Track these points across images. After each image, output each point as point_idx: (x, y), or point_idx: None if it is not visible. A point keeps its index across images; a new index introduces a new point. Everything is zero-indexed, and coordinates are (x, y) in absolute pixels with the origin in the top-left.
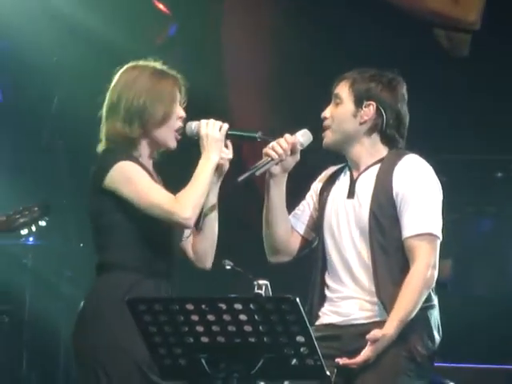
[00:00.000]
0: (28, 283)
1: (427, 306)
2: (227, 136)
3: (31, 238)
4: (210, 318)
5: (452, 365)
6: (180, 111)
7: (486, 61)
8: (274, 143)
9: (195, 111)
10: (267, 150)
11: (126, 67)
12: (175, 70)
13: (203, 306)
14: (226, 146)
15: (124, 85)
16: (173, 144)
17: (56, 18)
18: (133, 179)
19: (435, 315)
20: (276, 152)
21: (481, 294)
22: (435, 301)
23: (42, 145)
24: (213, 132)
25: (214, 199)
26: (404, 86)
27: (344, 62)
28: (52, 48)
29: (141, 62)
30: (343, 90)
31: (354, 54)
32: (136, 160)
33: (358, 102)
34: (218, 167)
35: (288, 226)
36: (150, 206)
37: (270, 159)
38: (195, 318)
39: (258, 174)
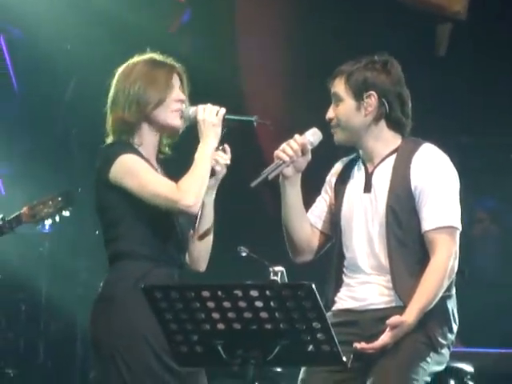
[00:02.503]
0: (44, 271)
1: (446, 295)
2: (224, 120)
3: (47, 227)
4: (226, 304)
5: (469, 350)
6: (179, 94)
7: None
8: (284, 145)
9: (207, 99)
10: (278, 152)
11: (124, 64)
12: (186, 58)
13: (219, 293)
14: (225, 151)
15: (122, 77)
16: (176, 122)
17: (69, 5)
18: (134, 172)
19: (453, 305)
20: (287, 154)
21: (496, 279)
22: (453, 291)
23: (56, 132)
24: (210, 117)
25: (210, 204)
26: (398, 67)
27: (360, 49)
28: (65, 36)
29: (137, 57)
30: (340, 87)
31: (369, 42)
32: (137, 152)
33: (358, 95)
34: (215, 173)
35: (307, 225)
36: (153, 197)
37: (281, 162)
38: (211, 304)
39: (270, 178)
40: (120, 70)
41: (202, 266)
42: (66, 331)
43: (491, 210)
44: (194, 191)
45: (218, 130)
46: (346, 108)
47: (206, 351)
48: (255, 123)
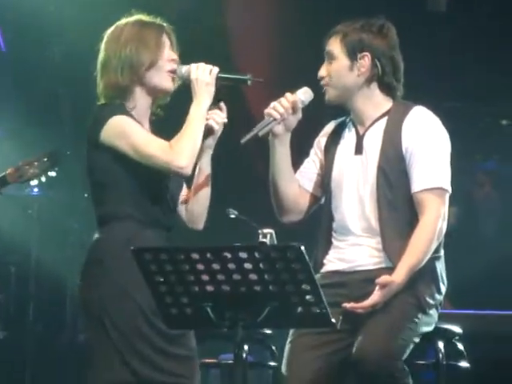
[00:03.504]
0: (34, 234)
1: (435, 256)
2: (218, 79)
3: (36, 189)
4: (215, 266)
5: (458, 311)
6: (170, 53)
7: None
8: (275, 103)
9: (196, 59)
10: (268, 109)
11: (111, 27)
12: (172, 19)
13: (208, 255)
14: (221, 109)
15: (111, 40)
16: (168, 85)
17: None
18: (127, 132)
19: (441, 266)
20: (277, 111)
21: (488, 239)
22: (442, 252)
23: (44, 93)
24: (203, 76)
25: (207, 163)
26: (394, 31)
27: (347, 11)
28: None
29: (124, 19)
30: (335, 45)
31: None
32: (129, 114)
33: (352, 55)
34: (212, 131)
35: (295, 185)
36: (146, 157)
37: (272, 119)
38: (200, 266)
39: (260, 134)
40: (108, 32)
41: (200, 224)
42: (55, 293)
43: (491, 173)
44: (187, 152)
45: (212, 89)
46: (340, 66)
47: (195, 313)
48: (249, 82)
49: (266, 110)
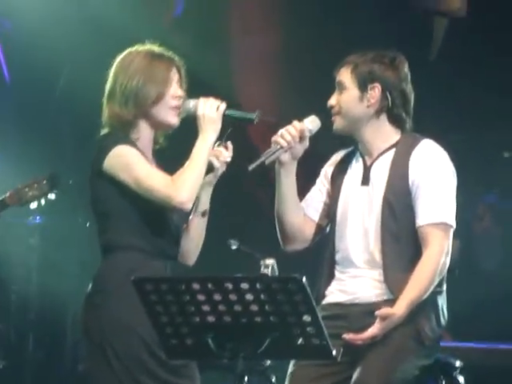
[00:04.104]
0: (35, 263)
1: (436, 291)
2: (224, 116)
3: (38, 217)
4: (217, 297)
5: (459, 344)
6: (176, 90)
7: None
8: (282, 131)
9: (200, 93)
10: (276, 137)
11: (123, 53)
12: (179, 52)
13: (209, 286)
14: (226, 148)
15: (120, 69)
16: (173, 120)
17: None
18: (130, 164)
19: (443, 300)
20: (285, 139)
21: (489, 273)
22: (444, 287)
23: (48, 123)
24: (210, 112)
25: (206, 200)
26: (406, 64)
27: (352, 44)
28: (57, 26)
29: (137, 47)
30: (346, 75)
31: (359, 38)
32: (133, 144)
33: (363, 86)
34: (214, 170)
35: (301, 213)
36: (147, 191)
37: (279, 147)
38: (201, 297)
39: (267, 162)
40: (118, 59)
41: (191, 260)
42: (56, 323)
43: (491, 206)
44: (189, 187)
45: (218, 126)
46: (350, 96)
47: (196, 344)
48: (256, 120)
49: (274, 138)
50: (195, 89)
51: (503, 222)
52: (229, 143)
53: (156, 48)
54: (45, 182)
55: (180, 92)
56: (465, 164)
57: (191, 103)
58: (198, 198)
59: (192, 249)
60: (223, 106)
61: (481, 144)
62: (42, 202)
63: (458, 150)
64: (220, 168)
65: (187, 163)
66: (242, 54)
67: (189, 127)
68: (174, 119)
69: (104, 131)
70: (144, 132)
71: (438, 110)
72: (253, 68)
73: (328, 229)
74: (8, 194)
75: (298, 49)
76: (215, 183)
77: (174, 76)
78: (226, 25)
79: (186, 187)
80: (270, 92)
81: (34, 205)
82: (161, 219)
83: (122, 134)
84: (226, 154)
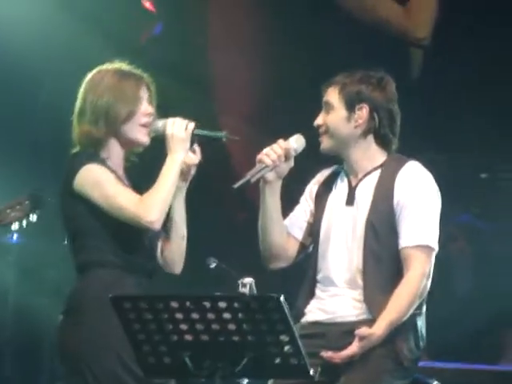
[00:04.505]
0: (12, 281)
1: (416, 313)
2: (193, 136)
3: (15, 236)
4: (194, 316)
5: (435, 364)
6: (147, 107)
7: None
8: (268, 149)
9: (176, 111)
10: (261, 156)
11: (92, 72)
12: (157, 68)
13: (188, 304)
14: (194, 152)
15: (90, 87)
16: (143, 139)
17: (44, 10)
18: (99, 183)
19: (422, 323)
20: (270, 158)
21: (463, 295)
22: (424, 309)
23: (27, 139)
24: (178, 131)
25: (181, 205)
26: (393, 85)
27: (333, 66)
28: (39, 40)
29: (106, 65)
30: (333, 96)
31: (339, 61)
32: (103, 162)
33: (350, 106)
34: (184, 172)
35: (284, 232)
36: (116, 210)
37: (264, 166)
38: (179, 315)
39: (252, 181)
40: (87, 79)
41: (177, 268)
42: (33, 341)
43: (467, 226)
44: (157, 207)
45: (187, 145)
46: (337, 116)
47: (173, 362)
48: (224, 139)
49: (259, 157)
50: (169, 105)
51: (478, 242)
52: (196, 147)
53: (125, 66)
54: (27, 202)
55: (150, 109)
56: (442, 184)
57: (160, 123)
58: (170, 207)
59: (177, 256)
60: (191, 125)
61: (458, 165)
62: (24, 222)
63: (435, 169)
64: (189, 172)
65: (156, 183)
66: (221, 74)
67: (161, 145)
68: (144, 137)
69: (74, 150)
70: (114, 150)
71: (415, 129)
72: (232, 88)
73: (311, 248)
74: None
75: (282, 64)
76: (187, 190)
77: (144, 94)
78: (204, 41)
79: (155, 207)
80: (253, 109)
81: (15, 226)
82: (134, 235)
83: (93, 152)
84: (193, 156)
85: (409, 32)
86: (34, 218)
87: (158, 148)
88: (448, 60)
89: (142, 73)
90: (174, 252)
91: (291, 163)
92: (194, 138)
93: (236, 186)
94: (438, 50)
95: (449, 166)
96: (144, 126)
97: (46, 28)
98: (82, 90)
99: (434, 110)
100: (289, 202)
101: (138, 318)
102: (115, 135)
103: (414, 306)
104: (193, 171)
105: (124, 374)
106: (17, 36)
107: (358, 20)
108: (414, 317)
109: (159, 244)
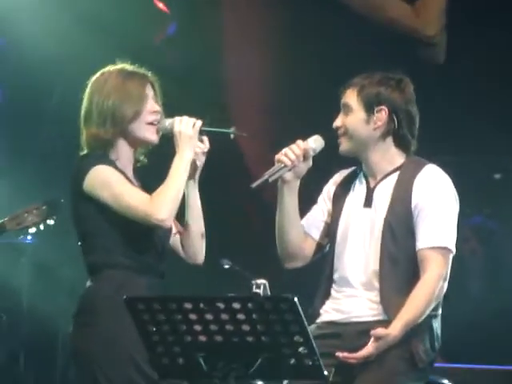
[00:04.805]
0: (26, 281)
1: (432, 314)
2: (201, 133)
3: (29, 237)
4: (208, 317)
5: (449, 365)
6: (153, 105)
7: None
8: (286, 149)
9: (190, 111)
10: (280, 156)
11: (96, 74)
12: (171, 69)
13: (201, 305)
14: (201, 141)
15: (95, 90)
16: (151, 137)
17: (53, 13)
18: (108, 183)
19: (438, 325)
20: (289, 158)
21: (477, 295)
22: (439, 311)
23: (41, 142)
24: (186, 129)
25: (195, 195)
26: (411, 86)
27: (348, 65)
28: (50, 44)
29: (109, 67)
30: (352, 98)
31: (356, 59)
32: (112, 163)
33: (369, 108)
34: (193, 162)
35: (301, 232)
36: (126, 209)
37: (282, 165)
38: (193, 316)
39: (271, 180)
40: (91, 81)
41: (198, 258)
42: (47, 342)
43: (479, 228)
44: (167, 205)
45: (194, 143)
46: (356, 118)
47: (187, 363)
48: (232, 135)
49: (277, 156)
50: (181, 105)
51: (490, 242)
52: (204, 137)
53: (128, 66)
54: (44, 207)
55: (157, 107)
56: (456, 185)
57: (167, 122)
58: (187, 195)
59: (196, 247)
60: (199, 122)
61: (472, 165)
62: (41, 227)
63: (449, 171)
64: (198, 160)
65: (165, 181)
66: (235, 74)
67: (170, 144)
68: (152, 135)
69: (83, 152)
70: (123, 151)
71: (429, 131)
72: (245, 88)
73: (327, 248)
74: (7, 219)
75: (296, 65)
76: (199, 180)
77: (149, 92)
78: (218, 42)
79: (165, 205)
80: (266, 110)
81: (32, 230)
82: (145, 235)
83: (102, 153)
84: (202, 145)
85: (418, 30)
86: (51, 222)
87: (166, 147)
88: (461, 61)
89: (146, 71)
90: (195, 243)
91: (309, 163)
92: (202, 135)
93: (254, 185)
94: (450, 52)
95: (461, 168)
96: (151, 123)
97: (59, 38)
98: (86, 92)
99: (447, 110)
100: (307, 202)
101: (152, 319)
102: (123, 135)
103: (431, 308)
104: (202, 160)
105: (136, 375)
106: (30, 48)
107: (371, 19)
108: (429, 318)
109: (178, 237)
